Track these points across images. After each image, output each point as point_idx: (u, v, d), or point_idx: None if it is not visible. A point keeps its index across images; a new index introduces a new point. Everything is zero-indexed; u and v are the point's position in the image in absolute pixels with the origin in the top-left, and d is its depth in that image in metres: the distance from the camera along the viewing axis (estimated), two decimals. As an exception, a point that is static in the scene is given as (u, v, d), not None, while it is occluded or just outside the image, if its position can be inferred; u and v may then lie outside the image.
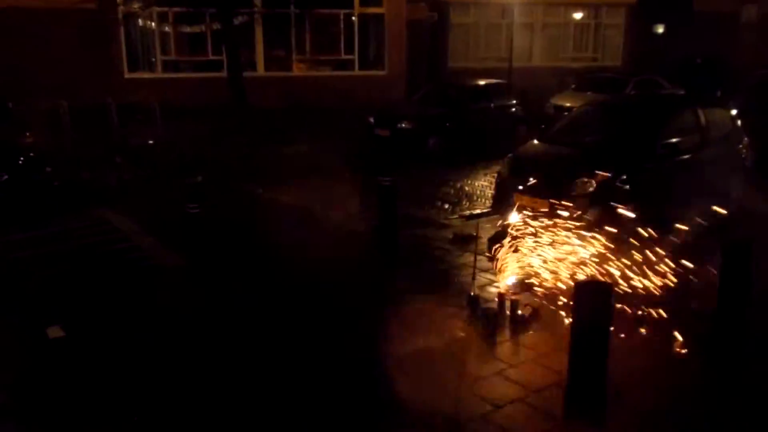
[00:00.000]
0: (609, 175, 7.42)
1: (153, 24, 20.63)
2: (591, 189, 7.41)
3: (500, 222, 7.35)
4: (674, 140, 8.13)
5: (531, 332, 5.58)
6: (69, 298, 6.23)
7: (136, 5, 18.97)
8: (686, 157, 8.18)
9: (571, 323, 4.47)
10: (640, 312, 5.59)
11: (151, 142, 14.17)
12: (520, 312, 5.72)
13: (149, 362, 5.06)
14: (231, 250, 7.48)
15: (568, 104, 15.98)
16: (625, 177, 7.53)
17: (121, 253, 7.56)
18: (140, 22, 20.60)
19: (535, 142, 9.07)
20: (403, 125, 13.56)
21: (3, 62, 17.68)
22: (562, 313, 5.57)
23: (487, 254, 6.99)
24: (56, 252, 7.56)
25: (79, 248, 7.69)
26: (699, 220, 7.40)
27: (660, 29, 27.41)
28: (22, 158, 9.18)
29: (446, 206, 9.80)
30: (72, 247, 7.74)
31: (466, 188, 11.06)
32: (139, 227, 8.50)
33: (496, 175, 9.07)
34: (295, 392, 4.69)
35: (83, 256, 7.40)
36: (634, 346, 5.24)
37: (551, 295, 5.85)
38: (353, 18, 21.84)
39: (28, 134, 9.52)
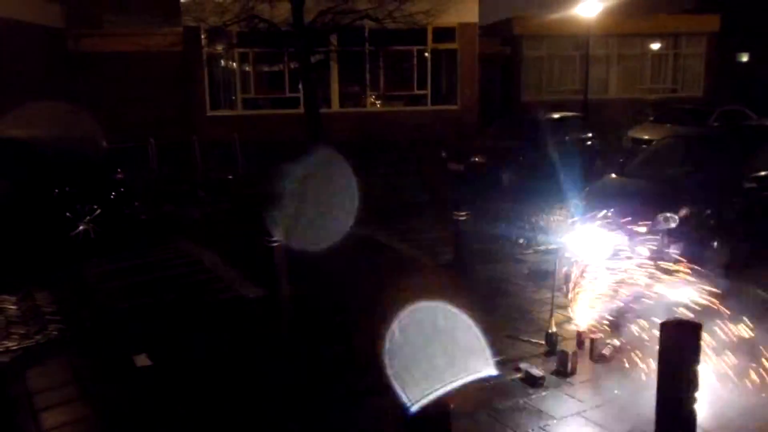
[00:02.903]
0: (693, 210, 7.17)
1: (234, 64, 21.58)
2: (674, 224, 7.16)
3: (577, 258, 7.19)
4: (763, 173, 7.80)
5: (612, 372, 5.40)
6: (154, 328, 6.49)
7: (219, 47, 19.90)
8: (777, 191, 7.82)
9: (657, 364, 4.30)
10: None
11: (230, 176, 14.73)
12: (600, 350, 5.55)
13: (230, 390, 5.19)
14: (310, 281, 7.61)
15: (646, 137, 15.60)
16: (709, 212, 7.25)
17: (203, 284, 7.84)
18: (222, 62, 21.60)
19: (613, 176, 8.88)
20: (477, 159, 13.53)
21: (98, 104, 18.88)
22: (639, 355, 5.36)
23: (564, 290, 6.83)
24: (142, 282, 7.91)
25: (163, 279, 8.02)
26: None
27: (744, 58, 26.45)
28: (113, 193, 9.71)
29: (521, 241, 9.67)
30: (157, 277, 8.08)
31: (541, 223, 10.89)
32: (220, 259, 8.79)
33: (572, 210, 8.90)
34: (373, 425, 4.69)
35: (168, 287, 7.71)
36: (731, 390, 4.98)
37: (634, 334, 5.65)
38: (426, 54, 22.13)
39: (119, 170, 10.05)
